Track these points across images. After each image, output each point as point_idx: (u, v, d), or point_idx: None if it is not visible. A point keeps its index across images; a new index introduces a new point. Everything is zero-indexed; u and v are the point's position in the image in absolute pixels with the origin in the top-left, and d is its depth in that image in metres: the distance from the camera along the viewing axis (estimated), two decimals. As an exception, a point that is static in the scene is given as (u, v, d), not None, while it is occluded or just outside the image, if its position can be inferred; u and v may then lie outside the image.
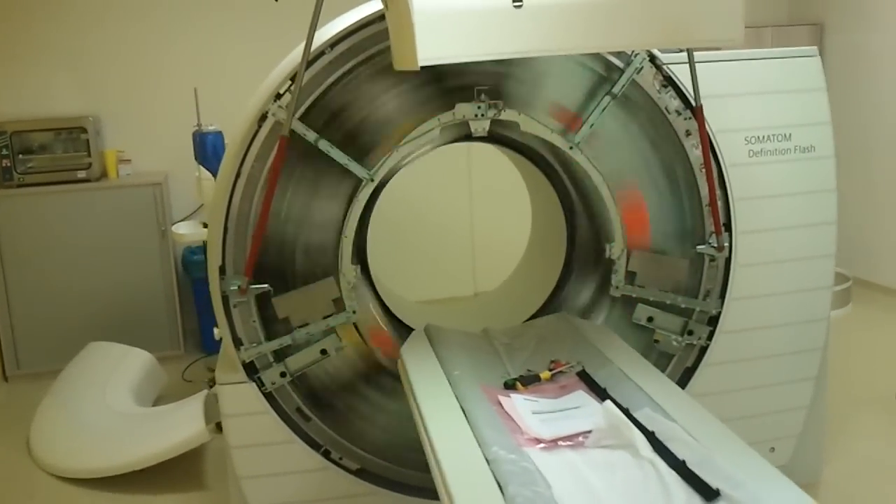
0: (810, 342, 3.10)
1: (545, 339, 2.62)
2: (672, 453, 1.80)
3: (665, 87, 2.80)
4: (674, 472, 1.74)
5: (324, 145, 2.63)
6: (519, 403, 2.12)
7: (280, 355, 2.74)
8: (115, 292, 4.99)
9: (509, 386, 2.27)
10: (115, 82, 5.28)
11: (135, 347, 4.52)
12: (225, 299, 2.68)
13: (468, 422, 2.02)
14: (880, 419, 3.79)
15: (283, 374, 2.74)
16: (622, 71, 2.75)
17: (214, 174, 3.99)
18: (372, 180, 2.70)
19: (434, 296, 5.02)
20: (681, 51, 2.82)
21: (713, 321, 2.96)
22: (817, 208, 3.00)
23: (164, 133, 5.29)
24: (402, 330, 2.99)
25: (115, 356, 4.44)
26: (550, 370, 2.35)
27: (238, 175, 2.62)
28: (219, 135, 4.01)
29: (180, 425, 3.53)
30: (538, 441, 1.93)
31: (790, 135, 2.93)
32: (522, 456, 1.83)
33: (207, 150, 3.96)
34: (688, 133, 2.83)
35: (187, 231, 4.19)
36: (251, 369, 2.74)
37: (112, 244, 4.95)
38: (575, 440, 1.93)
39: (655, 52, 2.76)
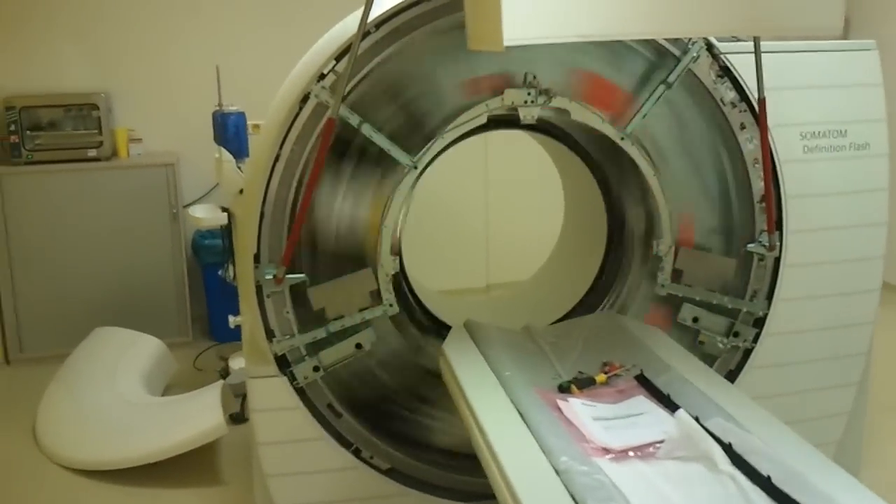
0: (855, 346, 3.01)
1: (593, 339, 2.51)
2: (754, 468, 1.69)
3: (721, 77, 2.69)
4: (759, 489, 1.63)
5: (366, 129, 2.51)
6: (578, 408, 2.01)
7: (313, 349, 2.62)
8: (122, 275, 4.85)
9: (564, 389, 2.17)
10: (128, 58, 5.12)
11: (144, 333, 4.38)
12: (258, 289, 2.56)
13: (529, 428, 1.91)
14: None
15: (316, 369, 2.62)
16: (677, 59, 2.64)
17: (236, 156, 3.85)
18: (416, 167, 2.58)
19: (446, 286, 4.90)
20: (737, 39, 2.72)
21: (759, 323, 2.85)
22: (869, 208, 2.90)
23: (177, 112, 5.15)
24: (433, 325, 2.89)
25: (124, 342, 4.31)
26: (605, 373, 2.24)
27: (277, 158, 2.49)
28: (241, 115, 3.86)
29: (196, 417, 3.42)
30: (606, 451, 1.82)
31: (846, 131, 2.83)
32: (594, 467, 1.72)
33: (229, 131, 3.81)
34: (742, 126, 2.72)
35: (204, 214, 4.04)
36: (283, 362, 2.62)
37: (121, 225, 4.81)
38: (645, 451, 1.82)
39: (713, 39, 2.65)
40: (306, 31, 3.14)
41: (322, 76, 2.47)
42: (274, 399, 2.64)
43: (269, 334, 2.59)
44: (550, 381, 2.25)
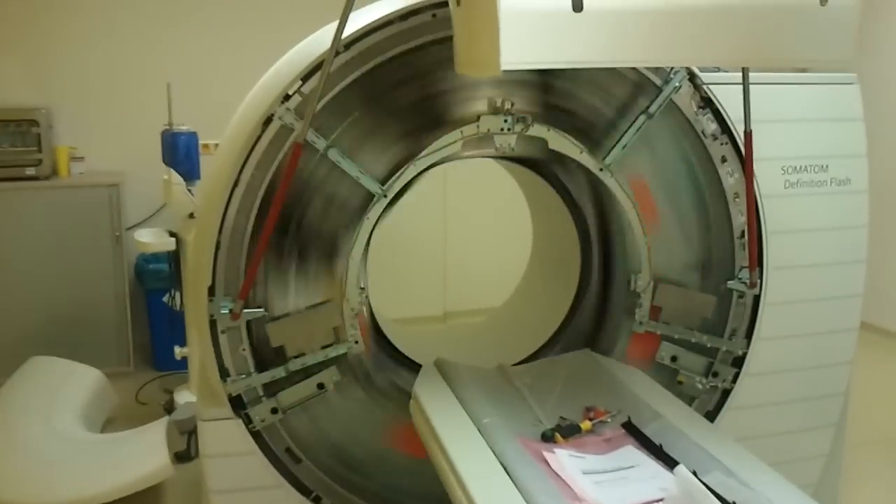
0: (833, 386, 2.92)
1: (573, 381, 2.37)
2: (762, 531, 1.56)
3: (702, 108, 2.59)
4: (769, 555, 1.50)
5: (334, 154, 2.34)
6: (566, 461, 1.87)
7: (271, 389, 2.43)
8: (60, 301, 4.61)
9: (547, 437, 2.02)
10: (71, 72, 4.89)
11: (82, 364, 4.12)
12: (212, 323, 2.36)
13: (514, 483, 1.76)
14: (890, 464, 3.63)
15: (274, 411, 2.43)
16: (658, 88, 2.53)
17: (186, 178, 3.66)
18: (385, 196, 2.42)
19: (403, 314, 4.73)
20: (718, 70, 2.63)
21: (737, 362, 2.75)
22: (849, 245, 2.83)
23: (123, 130, 4.93)
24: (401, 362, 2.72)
25: (61, 373, 4.04)
26: (590, 419, 2.10)
27: (236, 184, 2.31)
28: (193, 135, 3.68)
29: (140, 456, 3.19)
30: (600, 510, 1.67)
31: (827, 166, 2.75)
32: (590, 530, 1.57)
33: (179, 151, 3.63)
34: (724, 159, 2.63)
35: (151, 239, 3.83)
36: (238, 404, 2.42)
37: (60, 248, 4.56)
38: (642, 510, 1.68)
39: (695, 69, 2.55)
40: (262, 49, 2.99)
41: (287, 97, 2.30)
42: (227, 443, 2.44)
43: (224, 373, 2.39)
44: (531, 427, 2.10)
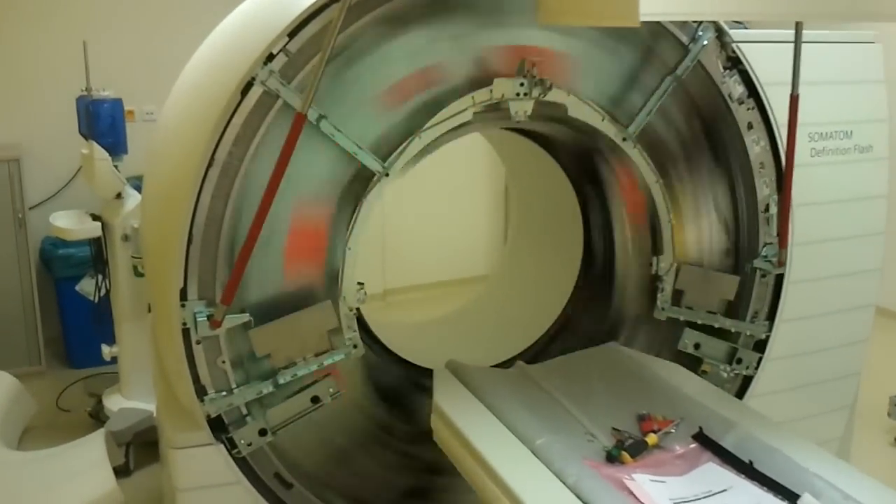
0: (850, 367, 2.76)
1: (608, 381, 2.09)
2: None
3: (729, 69, 2.33)
4: None
5: (327, 127, 1.96)
6: (649, 487, 1.58)
7: (257, 406, 2.05)
8: (-45, 294, 4.00)
9: (613, 458, 1.72)
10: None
11: (-10, 367, 3.59)
12: (185, 333, 1.95)
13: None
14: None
15: (262, 432, 2.05)
16: (685, 46, 2.25)
17: (112, 153, 3.16)
18: (387, 174, 2.05)
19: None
20: (742, 25, 2.37)
21: (759, 346, 2.53)
22: (869, 217, 2.65)
23: (23, 98, 4.31)
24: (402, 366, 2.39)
25: (-35, 380, 3.49)
26: (654, 431, 1.81)
27: (210, 164, 1.90)
28: (117, 102, 3.17)
29: (81, 478, 2.73)
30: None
31: (851, 132, 2.54)
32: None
33: (102, 121, 3.11)
34: (750, 126, 2.38)
35: (72, 224, 3.31)
36: (218, 426, 2.03)
37: (-48, 234, 3.95)
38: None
39: (724, 25, 2.28)
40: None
41: (270, 57, 1.90)
42: (206, 474, 2.05)
43: (200, 391, 2.00)
44: (586, 443, 1.80)
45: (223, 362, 2.00)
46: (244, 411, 2.04)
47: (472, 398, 1.96)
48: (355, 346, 2.12)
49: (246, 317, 1.98)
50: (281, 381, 2.04)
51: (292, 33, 1.90)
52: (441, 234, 5.35)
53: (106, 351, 3.45)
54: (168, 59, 2.90)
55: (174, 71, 2.45)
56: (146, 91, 3.95)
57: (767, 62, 2.35)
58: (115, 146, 3.16)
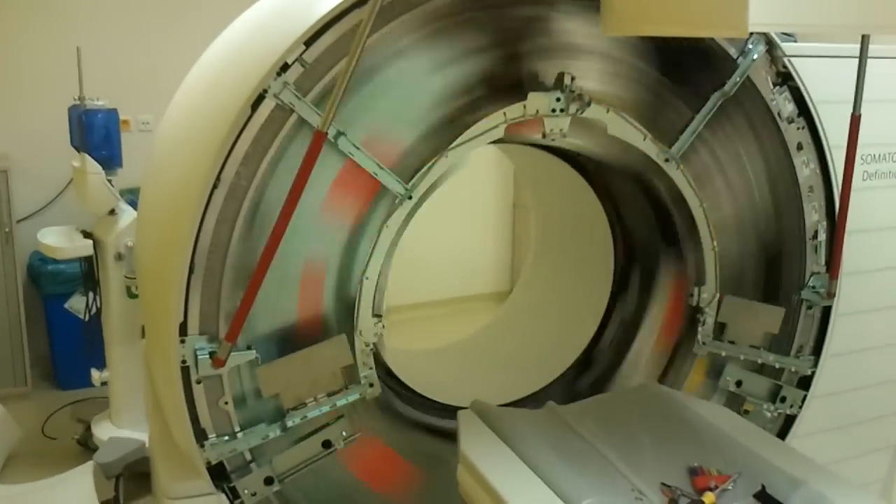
0: (894, 404, 2.57)
1: (650, 427, 1.89)
2: None
3: (779, 85, 2.15)
4: None
5: (345, 145, 1.77)
6: (715, 562, 1.38)
7: (263, 452, 1.85)
8: (-62, 311, 3.80)
9: (670, 522, 1.53)
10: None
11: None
12: (184, 371, 1.75)
13: None
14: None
15: (268, 481, 1.85)
16: (734, 60, 2.07)
17: (106, 166, 2.97)
18: (410, 197, 1.86)
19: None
20: (792, 38, 2.19)
21: (803, 383, 2.34)
22: (920, 244, 2.46)
23: (10, 106, 4.12)
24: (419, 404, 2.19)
25: (-55, 404, 3.29)
26: (711, 489, 1.62)
27: (216, 185, 1.70)
28: (112, 113, 2.98)
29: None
30: None
31: (902, 153, 2.36)
32: None
33: (96, 133, 2.92)
34: (799, 147, 2.20)
35: (61, 242, 3.11)
36: (219, 474, 1.83)
37: (-64, 248, 3.75)
38: None
39: (775, 37, 2.09)
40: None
41: (284, 67, 1.70)
42: (208, 527, 1.84)
43: (200, 435, 1.80)
44: (634, 502, 1.61)
45: (226, 403, 1.80)
46: (248, 457, 1.85)
47: (505, 448, 1.76)
48: (371, 385, 1.92)
49: (252, 354, 1.78)
50: (289, 423, 1.84)
51: (309, 41, 1.72)
52: (444, 250, 5.15)
53: (96, 376, 3.25)
54: (167, 66, 2.73)
55: (174, 78, 2.26)
56: (143, 100, 3.78)
57: (817, 78, 2.17)
58: (109, 160, 2.96)
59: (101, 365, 3.32)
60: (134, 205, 2.89)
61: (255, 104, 1.70)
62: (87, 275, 3.31)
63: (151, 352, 2.02)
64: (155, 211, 1.99)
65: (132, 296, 3.03)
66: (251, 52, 1.85)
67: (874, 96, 2.32)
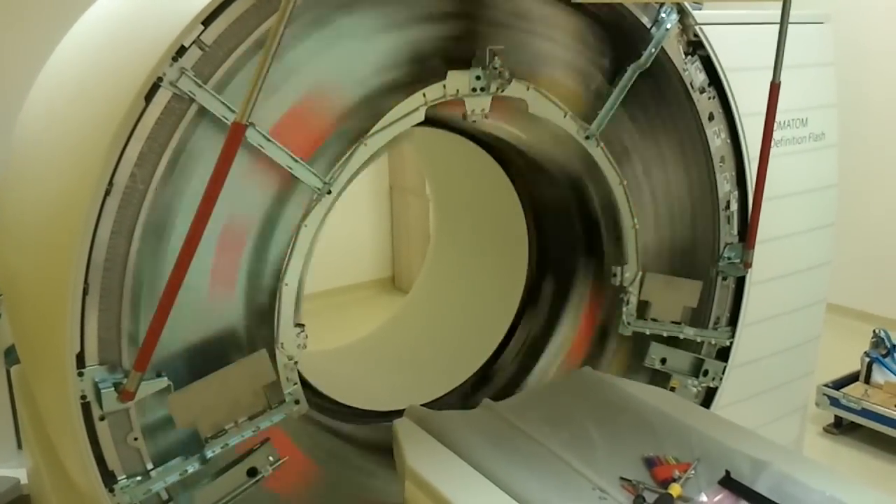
0: (804, 366, 2.63)
1: (595, 418, 1.80)
2: None
3: (691, 54, 2.10)
4: None
5: (255, 137, 1.57)
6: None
7: (182, 488, 1.64)
8: None
9: (641, 519, 1.45)
10: None
11: None
12: (85, 408, 1.52)
13: None
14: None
15: (189, 522, 1.64)
16: (648, 31, 2.00)
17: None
18: (330, 191, 1.69)
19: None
20: (700, 6, 2.15)
21: (722, 354, 2.33)
22: (820, 209, 2.51)
23: None
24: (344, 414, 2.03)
25: None
26: (675, 479, 1.55)
27: (108, 191, 1.47)
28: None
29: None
30: None
31: (806, 119, 2.39)
32: None
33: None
34: (711, 117, 2.17)
35: None
36: (132, 519, 1.61)
37: None
38: None
39: (686, 5, 2.04)
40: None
41: (181, 51, 1.49)
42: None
43: (108, 478, 1.57)
44: (597, 501, 1.52)
45: (135, 439, 1.58)
46: (165, 497, 1.63)
47: (455, 458, 1.63)
48: (297, 402, 1.74)
49: (164, 382, 1.56)
50: (209, 454, 1.64)
51: (207, 20, 1.50)
52: (319, 238, 4.95)
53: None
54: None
55: (17, 68, 1.96)
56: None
57: (725, 46, 2.14)
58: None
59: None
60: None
61: (149, 95, 1.47)
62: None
63: (38, 384, 1.76)
64: (27, 227, 1.72)
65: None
66: (134, 37, 1.61)
67: (769, 62, 2.33)
